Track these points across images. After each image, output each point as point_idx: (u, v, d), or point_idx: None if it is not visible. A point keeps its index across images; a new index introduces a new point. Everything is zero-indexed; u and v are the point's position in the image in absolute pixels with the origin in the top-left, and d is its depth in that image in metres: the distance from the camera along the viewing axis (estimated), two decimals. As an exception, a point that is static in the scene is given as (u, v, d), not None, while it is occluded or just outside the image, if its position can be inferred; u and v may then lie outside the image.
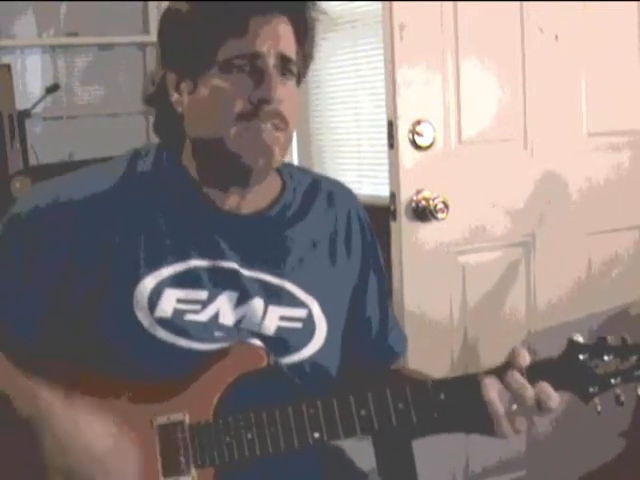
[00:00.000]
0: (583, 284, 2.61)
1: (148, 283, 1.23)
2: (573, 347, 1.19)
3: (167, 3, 1.30)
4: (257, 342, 1.25)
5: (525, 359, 1.17)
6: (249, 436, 1.17)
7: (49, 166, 3.42)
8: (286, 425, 1.17)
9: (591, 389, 1.19)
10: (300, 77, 1.31)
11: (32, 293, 1.23)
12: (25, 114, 3.54)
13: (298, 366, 1.28)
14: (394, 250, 2.34)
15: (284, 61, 1.24)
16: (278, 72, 1.23)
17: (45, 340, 1.24)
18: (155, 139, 1.39)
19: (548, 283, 2.55)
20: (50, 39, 4.26)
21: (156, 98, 1.32)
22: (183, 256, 1.25)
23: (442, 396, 1.18)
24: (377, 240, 1.44)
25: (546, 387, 1.16)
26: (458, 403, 1.18)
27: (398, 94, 2.29)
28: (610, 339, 1.20)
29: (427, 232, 2.35)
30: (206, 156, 1.28)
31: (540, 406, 1.16)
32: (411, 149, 2.31)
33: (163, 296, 1.23)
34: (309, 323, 1.31)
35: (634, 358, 1.18)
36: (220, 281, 1.26)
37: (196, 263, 1.26)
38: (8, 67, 3.51)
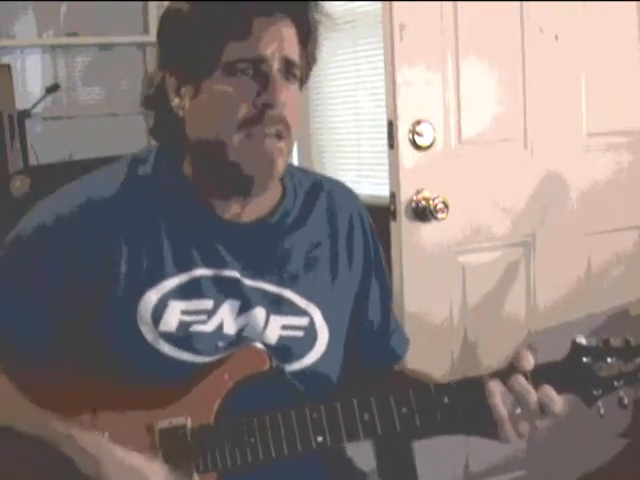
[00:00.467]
0: (583, 284, 2.61)
1: (152, 297, 1.22)
2: (576, 349, 1.19)
3: (167, 3, 1.28)
4: (259, 345, 1.24)
5: (529, 362, 1.16)
6: (252, 440, 1.16)
7: (49, 166, 3.41)
8: (289, 429, 1.16)
9: (595, 392, 1.18)
10: (303, 81, 1.29)
11: (36, 308, 1.22)
12: (25, 114, 3.54)
13: (300, 374, 1.27)
14: (394, 250, 2.34)
15: (288, 65, 1.23)
16: (282, 76, 1.22)
17: (48, 352, 1.23)
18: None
19: (548, 283, 2.55)
20: (50, 39, 4.26)
21: (155, 102, 1.30)
22: (186, 266, 1.24)
23: (446, 400, 1.17)
24: (379, 242, 1.43)
25: (549, 391, 1.15)
26: (462, 406, 1.17)
27: (398, 94, 2.29)
28: (613, 341, 1.19)
29: (427, 232, 2.35)
30: (207, 164, 1.26)
31: (543, 410, 1.15)
32: (411, 149, 2.31)
33: (168, 309, 1.22)
34: (311, 331, 1.30)
35: (638, 360, 1.18)
36: (222, 290, 1.25)
37: (200, 272, 1.24)
38: (8, 67, 3.51)
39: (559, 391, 1.16)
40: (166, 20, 1.27)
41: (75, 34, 4.25)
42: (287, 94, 1.21)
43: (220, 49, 1.20)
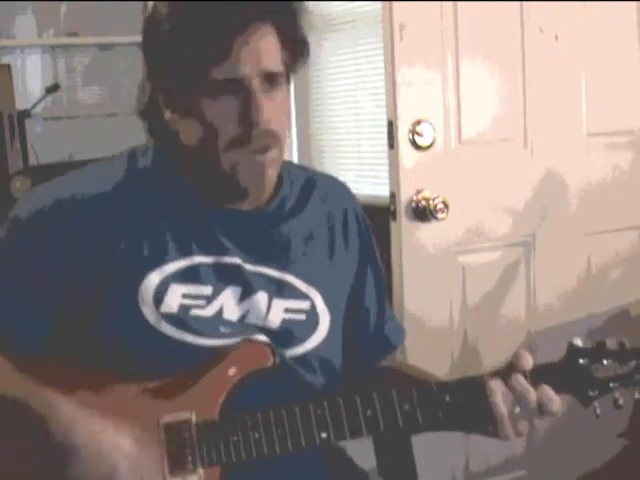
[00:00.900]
0: (583, 284, 2.61)
1: (153, 278, 1.23)
2: (573, 351, 1.21)
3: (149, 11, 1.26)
4: (263, 339, 1.25)
5: (529, 362, 1.18)
6: (256, 435, 1.17)
7: (49, 166, 3.42)
8: (293, 425, 1.18)
9: (591, 393, 1.20)
10: (289, 77, 1.28)
11: (35, 294, 1.23)
12: (25, 114, 3.54)
13: (303, 358, 1.29)
14: (394, 250, 2.34)
15: (269, 77, 1.23)
16: (264, 88, 1.22)
17: (50, 341, 1.23)
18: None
19: (548, 283, 2.55)
20: (50, 39, 4.26)
21: (149, 113, 1.30)
22: (186, 252, 1.26)
23: (447, 398, 1.19)
24: (372, 233, 1.45)
25: (548, 391, 1.17)
26: (463, 404, 1.19)
27: (398, 94, 2.29)
28: (609, 343, 1.21)
29: (427, 232, 2.35)
30: (202, 174, 1.27)
31: (542, 409, 1.17)
32: (411, 149, 2.31)
33: (169, 291, 1.23)
34: (312, 315, 1.32)
35: (632, 363, 1.20)
36: (224, 276, 1.27)
37: (199, 259, 1.26)
38: (8, 67, 3.51)
39: (557, 391, 1.18)
40: (149, 35, 1.26)
41: (75, 34, 4.25)
42: (271, 105, 1.22)
43: (202, 71, 1.19)
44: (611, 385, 1.20)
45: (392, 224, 2.34)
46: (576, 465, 2.58)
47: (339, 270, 1.38)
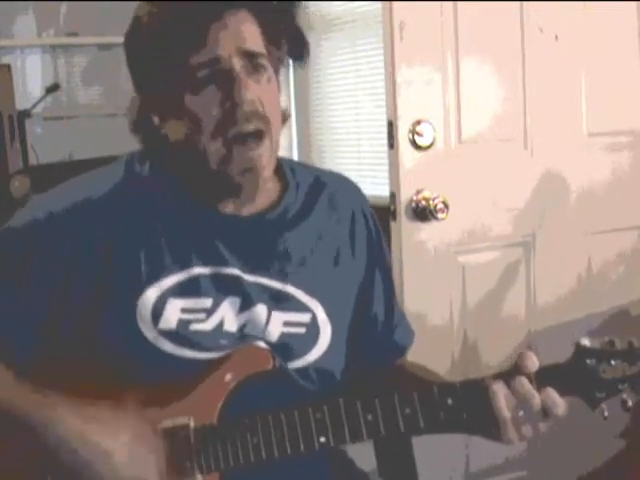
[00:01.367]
0: (583, 284, 2.61)
1: (151, 294, 1.21)
2: (580, 351, 1.18)
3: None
4: (262, 344, 1.24)
5: (534, 364, 1.16)
6: (255, 440, 1.16)
7: (48, 166, 3.42)
8: (292, 429, 1.16)
9: (598, 394, 1.18)
10: (279, 66, 1.27)
11: (31, 306, 1.21)
12: (25, 114, 3.54)
13: (303, 371, 1.27)
14: (394, 250, 2.34)
15: (251, 57, 1.20)
16: (248, 71, 1.20)
17: (46, 352, 1.22)
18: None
19: (548, 283, 2.55)
20: (50, 39, 4.26)
21: (141, 125, 1.28)
22: (185, 264, 1.23)
23: (449, 401, 1.17)
24: (382, 234, 1.43)
25: (552, 394, 1.15)
26: (465, 408, 1.17)
27: (398, 94, 2.29)
28: (618, 342, 1.19)
29: (427, 232, 2.35)
30: (195, 174, 1.25)
31: (546, 413, 1.15)
32: (411, 149, 2.31)
33: (167, 306, 1.21)
34: (313, 327, 1.29)
35: None
36: (222, 288, 1.24)
37: (198, 271, 1.24)
38: (8, 67, 3.52)
39: (563, 393, 1.16)
40: (129, 43, 1.26)
41: (75, 34, 4.25)
42: (257, 88, 1.19)
43: (182, 63, 1.18)
44: (620, 386, 1.17)
45: (392, 224, 2.34)
46: (576, 465, 2.57)
47: (344, 278, 1.35)
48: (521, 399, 1.15)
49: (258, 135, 1.20)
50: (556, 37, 2.47)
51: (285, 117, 1.29)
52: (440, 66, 2.34)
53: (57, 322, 1.21)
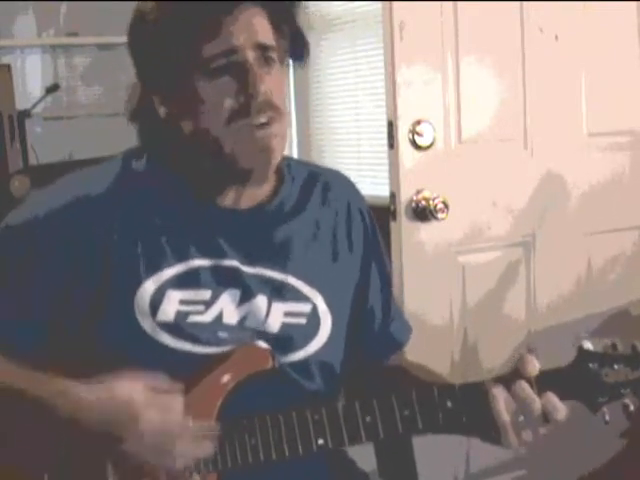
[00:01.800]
0: (583, 284, 2.61)
1: (149, 287, 1.21)
2: (583, 355, 1.18)
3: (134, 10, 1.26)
4: (261, 343, 1.24)
5: (535, 368, 1.15)
6: (252, 442, 1.15)
7: (48, 165, 3.42)
8: (290, 431, 1.15)
9: (600, 399, 1.17)
10: (284, 58, 1.28)
11: (30, 304, 1.21)
12: (25, 114, 3.54)
13: (303, 363, 1.27)
14: (394, 250, 2.34)
15: (263, 50, 1.21)
16: (260, 63, 1.21)
17: (46, 349, 1.22)
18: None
19: (548, 283, 2.55)
20: (50, 39, 4.26)
21: (141, 113, 1.29)
22: (183, 256, 1.24)
23: (449, 404, 1.17)
24: (378, 229, 1.43)
25: (553, 398, 1.14)
26: (464, 411, 1.17)
27: (398, 94, 2.29)
28: (620, 346, 1.18)
29: (427, 232, 2.35)
30: (202, 160, 1.25)
31: (546, 418, 1.14)
32: (411, 149, 2.31)
33: (165, 298, 1.21)
34: (313, 318, 1.29)
35: None
36: (222, 280, 1.25)
37: (197, 263, 1.24)
38: (8, 67, 3.52)
39: (564, 397, 1.15)
40: (135, 33, 1.26)
41: (75, 34, 4.25)
42: (269, 79, 1.21)
43: (195, 54, 1.19)
44: (622, 391, 1.16)
45: (392, 224, 2.34)
46: (576, 465, 2.57)
47: (342, 271, 1.35)
48: (521, 403, 1.14)
49: (269, 122, 1.21)
50: (556, 37, 2.48)
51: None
52: (440, 66, 2.34)
53: (57, 318, 1.21)
